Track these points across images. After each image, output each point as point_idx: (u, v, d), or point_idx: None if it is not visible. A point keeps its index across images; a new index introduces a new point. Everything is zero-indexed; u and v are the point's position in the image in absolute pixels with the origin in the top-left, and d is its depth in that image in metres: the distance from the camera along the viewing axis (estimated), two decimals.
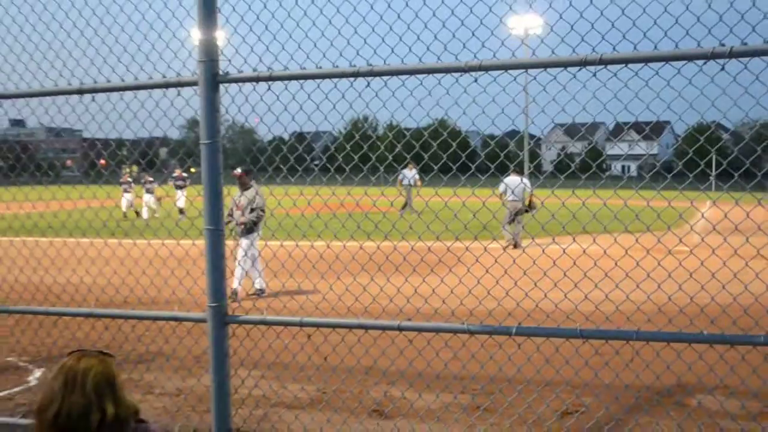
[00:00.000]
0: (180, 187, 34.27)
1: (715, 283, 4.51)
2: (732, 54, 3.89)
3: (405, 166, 28.27)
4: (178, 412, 8.07)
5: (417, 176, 29.82)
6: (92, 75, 5.36)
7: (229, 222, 15.39)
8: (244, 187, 15.15)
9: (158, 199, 35.35)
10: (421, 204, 29.67)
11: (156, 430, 3.69)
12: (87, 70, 5.38)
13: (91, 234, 7.71)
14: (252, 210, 14.76)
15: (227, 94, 5.02)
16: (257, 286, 14.87)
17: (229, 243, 5.49)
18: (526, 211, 21.64)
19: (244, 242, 14.68)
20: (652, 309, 5.45)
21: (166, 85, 5.16)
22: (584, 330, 4.48)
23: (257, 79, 4.87)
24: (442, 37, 4.43)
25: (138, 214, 35.32)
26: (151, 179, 34.26)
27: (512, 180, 21.38)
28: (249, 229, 14.73)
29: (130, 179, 35.10)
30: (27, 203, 6.85)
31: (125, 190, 35.37)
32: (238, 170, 15.58)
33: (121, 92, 5.35)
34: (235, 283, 14.64)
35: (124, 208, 35.08)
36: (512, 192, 21.47)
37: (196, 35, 4.90)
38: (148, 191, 35.32)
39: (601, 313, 5.35)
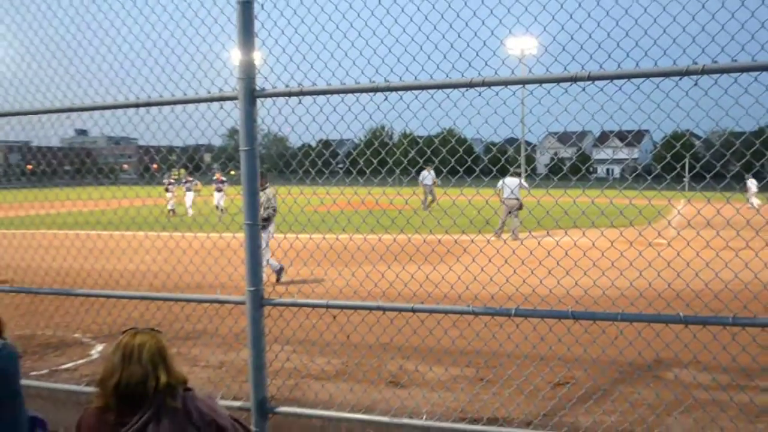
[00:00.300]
0: (219, 190, 34.00)
1: (690, 272, 4.50)
2: (704, 71, 3.88)
3: (422, 169, 27.89)
4: (221, 382, 8.11)
5: (434, 176, 29.49)
6: (147, 91, 5.38)
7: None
8: (261, 188, 15.08)
9: (197, 191, 34.88)
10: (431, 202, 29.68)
11: (201, 397, 3.71)
12: (142, 86, 5.41)
13: (146, 228, 7.76)
14: (266, 209, 14.72)
15: (263, 107, 5.04)
16: (275, 268, 14.60)
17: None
18: (520, 207, 21.72)
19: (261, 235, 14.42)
20: (634, 294, 5.43)
21: (211, 100, 5.17)
22: (575, 312, 4.47)
23: (289, 94, 4.88)
24: (450, 56, 4.43)
25: (173, 212, 34.56)
26: (191, 179, 33.91)
27: (510, 180, 21.46)
28: (263, 225, 14.57)
29: (173, 180, 34.64)
30: (90, 201, 6.89)
31: (167, 190, 34.93)
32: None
33: (171, 105, 5.38)
34: (273, 265, 14.50)
35: (169, 206, 34.86)
36: (511, 191, 21.52)
37: (236, 56, 4.92)
38: (189, 189, 34.83)
39: (589, 297, 5.34)
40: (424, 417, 5.02)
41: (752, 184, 27.83)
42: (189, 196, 34.99)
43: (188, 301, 6.10)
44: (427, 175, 29.24)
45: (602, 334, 6.51)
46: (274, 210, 14.67)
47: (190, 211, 34.19)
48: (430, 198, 30.65)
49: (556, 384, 7.80)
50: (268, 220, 14.66)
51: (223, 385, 7.93)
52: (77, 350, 9.80)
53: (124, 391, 3.50)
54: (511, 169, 21.71)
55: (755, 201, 28.09)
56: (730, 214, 4.36)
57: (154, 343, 3.62)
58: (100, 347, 9.85)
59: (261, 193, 15.35)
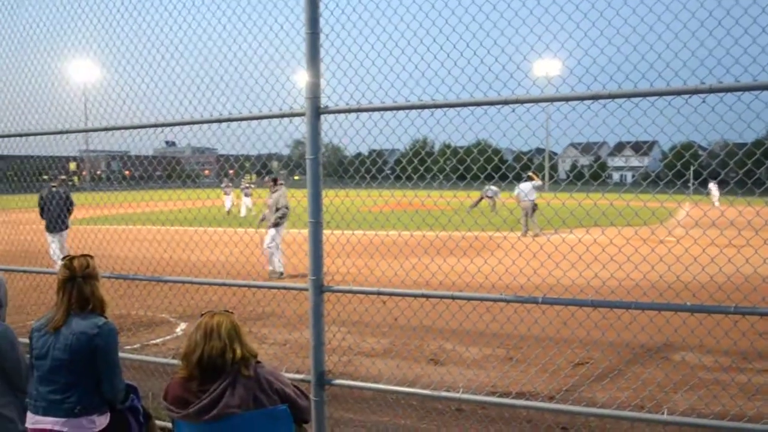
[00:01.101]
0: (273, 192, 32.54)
1: (696, 266, 4.44)
2: (711, 90, 3.84)
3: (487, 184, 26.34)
4: (285, 357, 8.22)
5: (497, 190, 28.03)
6: (227, 108, 5.47)
7: (263, 219, 14.85)
8: (273, 190, 14.71)
9: (250, 195, 33.80)
10: (468, 203, 29.36)
11: (269, 369, 3.79)
12: (224, 104, 5.50)
13: (224, 225, 7.87)
14: (278, 209, 14.09)
15: (326, 121, 5.08)
16: (279, 269, 14.04)
17: (261, 231, 5.47)
18: (534, 208, 21.58)
19: (271, 231, 13.90)
20: (647, 285, 5.37)
21: (282, 116, 5.22)
22: (594, 300, 4.45)
23: (349, 111, 4.91)
24: (487, 78, 4.44)
25: (229, 212, 33.70)
26: (248, 185, 32.48)
27: (525, 185, 21.45)
28: (276, 222, 13.97)
29: (231, 185, 33.88)
30: (179, 201, 7.03)
31: (225, 193, 34.09)
32: (267, 177, 15.04)
33: (248, 121, 5.45)
34: (276, 265, 13.99)
35: (227, 207, 33.94)
36: (525, 194, 21.45)
37: (303, 78, 4.97)
38: (246, 195, 33.92)
39: (607, 287, 5.31)
40: (461, 391, 5.02)
41: (714, 188, 27.00)
42: (245, 201, 34.02)
43: (259, 287, 6.19)
44: (491, 188, 27.70)
45: (618, 320, 6.44)
46: (287, 208, 14.07)
47: (243, 212, 33.15)
48: (490, 204, 29.13)
49: (576, 363, 7.76)
50: (282, 218, 14.06)
51: (288, 360, 8.03)
52: (164, 328, 10.01)
53: (206, 363, 3.61)
54: (524, 175, 21.62)
55: (717, 202, 27.27)
56: (732, 215, 4.30)
57: (229, 321, 3.72)
58: (183, 325, 10.04)
59: (272, 196, 14.78)
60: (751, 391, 6.74)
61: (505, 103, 4.38)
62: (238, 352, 3.63)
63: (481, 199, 28.67)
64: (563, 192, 5.39)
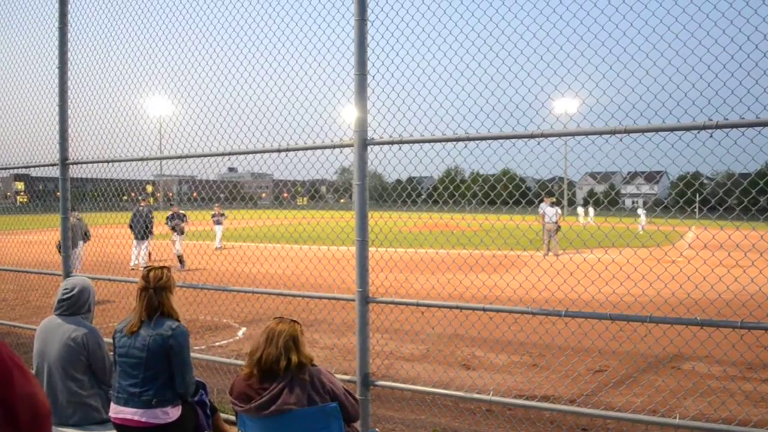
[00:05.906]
0: (218, 223, 24.95)
1: (706, 284, 4.38)
2: (717, 126, 3.81)
3: (541, 201, 24.17)
4: (334, 360, 8.25)
5: (546, 206, 25.83)
6: (285, 139, 5.56)
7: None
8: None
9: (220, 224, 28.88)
10: (499, 225, 28.89)
11: (322, 370, 3.82)
12: (283, 136, 5.59)
13: (282, 241, 7.94)
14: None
15: (371, 151, 5.13)
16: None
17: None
18: (558, 229, 21.45)
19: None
20: (660, 301, 5.29)
21: (332, 146, 5.30)
22: (612, 314, 4.41)
23: (392, 143, 4.96)
24: (515, 114, 4.47)
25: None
26: (221, 212, 29.52)
27: (549, 210, 21.52)
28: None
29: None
30: (242, 221, 7.15)
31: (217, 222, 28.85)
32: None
33: (305, 150, 5.53)
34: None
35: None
36: (549, 218, 21.46)
37: (352, 113, 5.05)
38: (218, 223, 28.32)
39: (624, 303, 5.24)
40: (491, 393, 5.00)
41: (641, 212, 27.47)
42: (218, 229, 26.89)
43: (311, 297, 6.23)
44: (546, 207, 23.54)
45: (634, 332, 6.37)
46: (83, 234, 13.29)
47: (218, 244, 21.73)
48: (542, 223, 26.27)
49: (595, 371, 7.65)
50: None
51: (336, 362, 8.06)
52: (227, 332, 10.13)
53: (263, 365, 3.66)
54: (546, 200, 21.55)
55: (643, 224, 27.22)
56: (739, 239, 4.24)
57: (290, 331, 3.75)
58: (243, 329, 10.15)
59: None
60: (756, 399, 6.57)
61: (531, 137, 4.39)
62: (294, 359, 3.66)
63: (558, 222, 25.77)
64: (585, 216, 5.34)
